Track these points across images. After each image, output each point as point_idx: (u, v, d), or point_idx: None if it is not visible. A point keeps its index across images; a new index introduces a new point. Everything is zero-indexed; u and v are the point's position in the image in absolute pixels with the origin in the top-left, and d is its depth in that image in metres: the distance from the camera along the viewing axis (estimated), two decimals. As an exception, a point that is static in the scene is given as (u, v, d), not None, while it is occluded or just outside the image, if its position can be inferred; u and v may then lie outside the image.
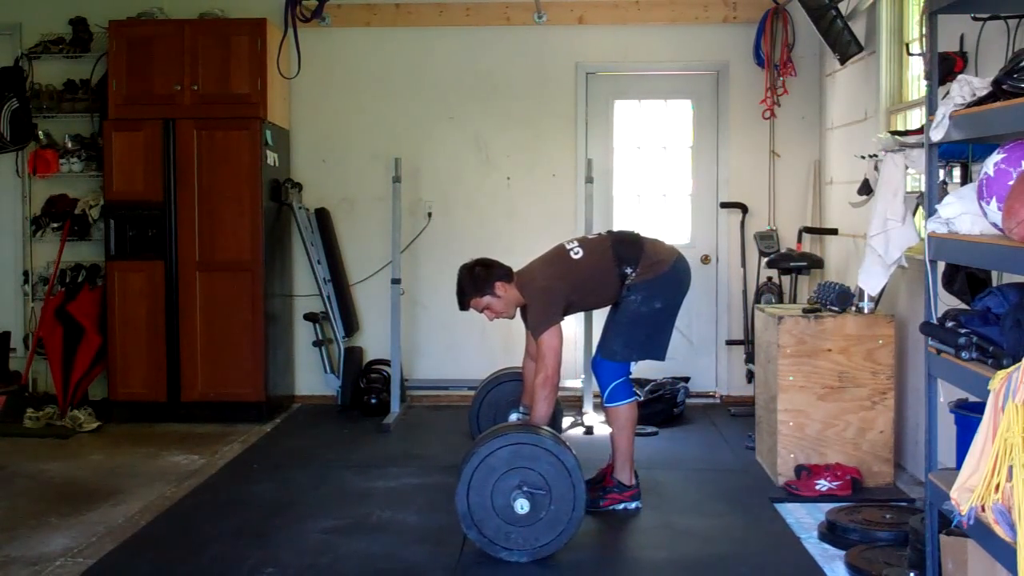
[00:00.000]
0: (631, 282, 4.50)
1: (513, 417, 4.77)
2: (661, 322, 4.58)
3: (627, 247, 4.56)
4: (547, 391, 4.31)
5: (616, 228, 4.66)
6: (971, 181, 3.50)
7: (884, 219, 4.44)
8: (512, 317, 4.64)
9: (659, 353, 4.63)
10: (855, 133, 5.89)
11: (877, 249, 4.51)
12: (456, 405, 6.75)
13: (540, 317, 4.38)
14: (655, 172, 7.06)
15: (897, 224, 4.41)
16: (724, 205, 6.82)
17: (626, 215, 7.07)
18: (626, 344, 4.54)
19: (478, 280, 4.48)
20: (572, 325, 6.81)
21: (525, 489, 3.91)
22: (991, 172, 2.69)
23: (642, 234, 4.71)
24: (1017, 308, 2.66)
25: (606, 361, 4.56)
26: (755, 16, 6.71)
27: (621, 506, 4.54)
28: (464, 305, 4.57)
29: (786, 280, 6.26)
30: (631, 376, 4.61)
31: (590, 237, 4.69)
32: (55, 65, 6.87)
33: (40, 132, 6.81)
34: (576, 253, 4.55)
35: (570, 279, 4.48)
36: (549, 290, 4.44)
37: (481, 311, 4.57)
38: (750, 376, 6.40)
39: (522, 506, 3.91)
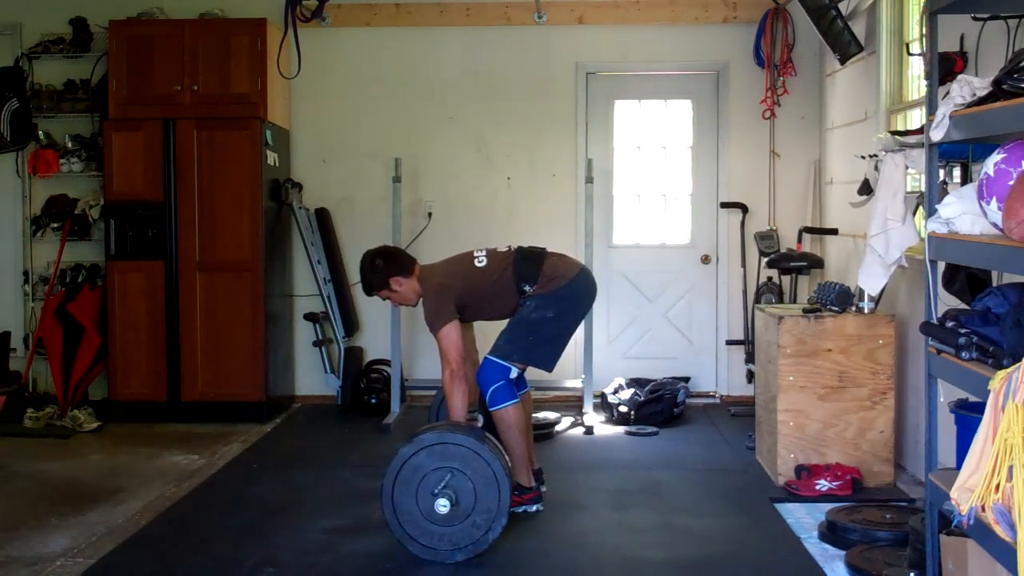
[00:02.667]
0: (529, 292, 4.51)
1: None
2: (550, 331, 4.52)
3: (528, 264, 4.55)
4: (456, 383, 4.33)
5: (526, 244, 4.68)
6: (971, 181, 3.50)
7: (884, 219, 4.44)
8: (415, 306, 4.69)
9: (545, 363, 4.58)
10: (855, 133, 5.90)
11: (877, 249, 4.51)
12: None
13: (433, 314, 4.44)
14: (655, 172, 7.06)
15: (897, 224, 4.41)
16: (724, 205, 6.83)
17: (626, 215, 7.07)
18: (508, 342, 4.50)
19: (376, 272, 4.58)
20: (572, 325, 6.82)
21: (444, 489, 3.93)
22: (991, 172, 2.69)
23: (548, 250, 4.68)
24: (1017, 308, 2.66)
25: (488, 358, 4.52)
26: (755, 16, 6.71)
27: (521, 509, 4.46)
28: (368, 293, 4.71)
29: (786, 280, 6.26)
30: (514, 378, 4.52)
31: (499, 250, 4.67)
32: (55, 65, 6.87)
33: (40, 132, 6.81)
34: (480, 262, 4.58)
35: (467, 284, 4.51)
36: (443, 287, 4.49)
37: (384, 299, 4.70)
38: (750, 376, 6.40)
39: (443, 505, 3.92)
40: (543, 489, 4.67)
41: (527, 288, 4.50)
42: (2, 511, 4.62)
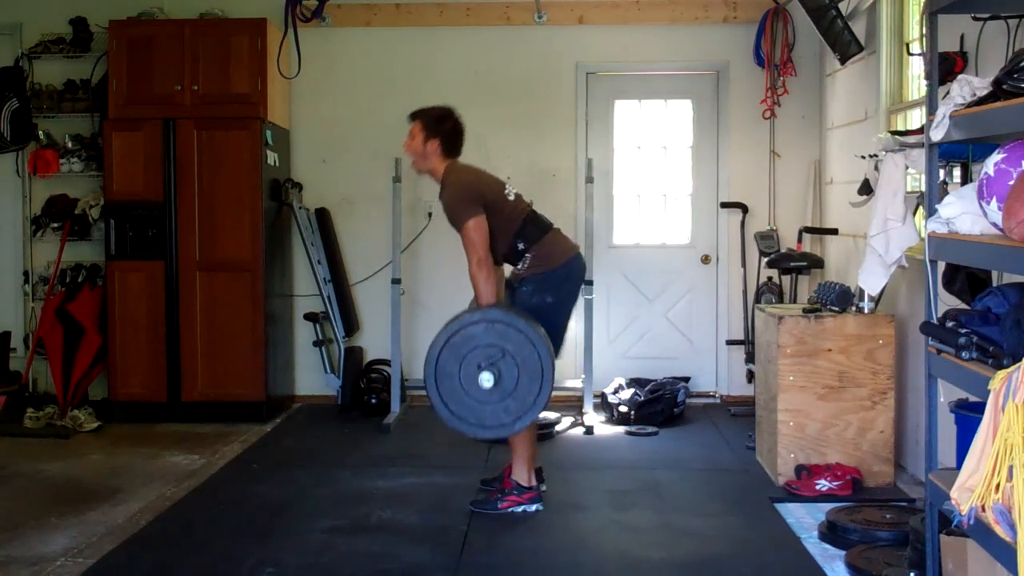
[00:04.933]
0: (522, 272, 4.51)
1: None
2: (552, 317, 4.53)
3: (533, 227, 4.56)
4: (484, 272, 4.33)
5: (542, 213, 4.69)
6: (971, 181, 3.49)
7: (884, 219, 4.44)
8: (418, 170, 4.71)
9: (556, 352, 4.57)
10: (855, 133, 5.90)
11: (877, 249, 4.51)
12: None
13: (459, 207, 4.41)
14: (655, 172, 7.06)
15: (897, 224, 4.41)
16: (724, 205, 6.83)
17: (626, 215, 7.07)
18: None
19: (437, 122, 4.55)
20: (572, 325, 6.80)
21: (491, 366, 3.99)
22: (991, 172, 2.69)
23: (554, 225, 4.69)
24: (1017, 308, 2.66)
25: None
26: (755, 16, 6.71)
27: (520, 508, 4.48)
28: (411, 118, 4.65)
29: (786, 280, 6.26)
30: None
31: (523, 198, 4.68)
32: (55, 65, 6.87)
33: (40, 132, 6.81)
34: (509, 195, 4.58)
35: (494, 202, 4.49)
36: (473, 187, 4.50)
37: (407, 138, 4.64)
38: (750, 376, 6.40)
39: (487, 379, 3.96)
40: (543, 488, 4.67)
41: (521, 246, 4.50)
42: (2, 511, 4.62)
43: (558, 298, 4.55)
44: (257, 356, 6.29)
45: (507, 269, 4.74)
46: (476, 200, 4.44)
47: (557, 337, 4.59)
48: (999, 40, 3.79)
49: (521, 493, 4.49)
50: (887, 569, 3.59)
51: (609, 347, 6.90)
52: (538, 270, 4.51)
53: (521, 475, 4.51)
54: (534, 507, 4.51)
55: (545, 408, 4.05)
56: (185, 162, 6.28)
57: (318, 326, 6.82)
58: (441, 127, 4.57)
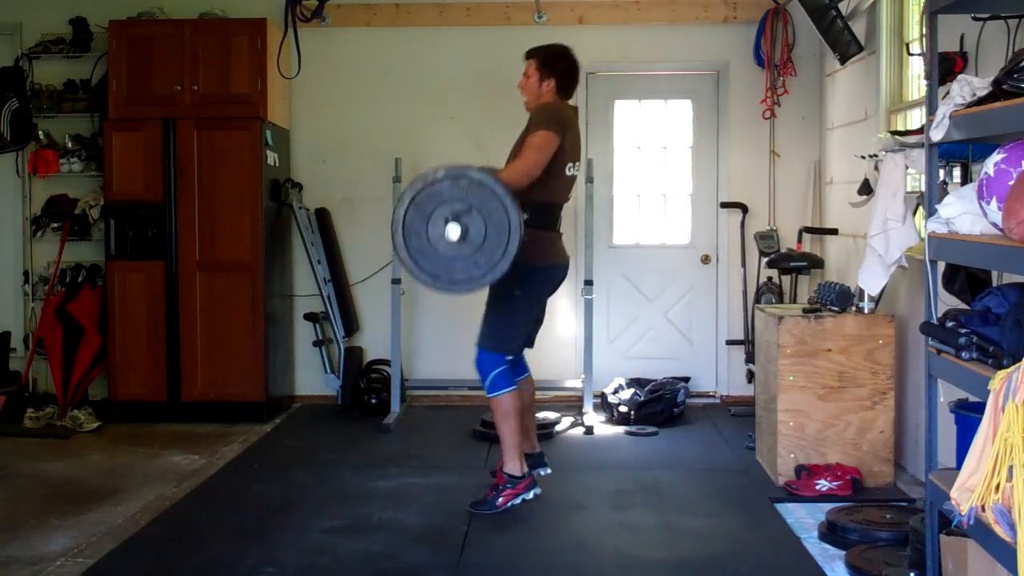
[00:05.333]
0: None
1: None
2: (512, 310, 4.53)
3: (548, 215, 4.55)
4: (524, 171, 4.29)
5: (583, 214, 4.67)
6: (971, 181, 3.50)
7: (884, 219, 4.44)
8: (528, 108, 4.64)
9: (525, 343, 4.64)
10: (855, 133, 5.90)
11: (877, 249, 4.51)
12: (456, 405, 6.76)
13: (545, 123, 4.37)
14: (655, 172, 7.06)
15: (897, 224, 4.41)
16: (724, 205, 6.83)
17: (626, 215, 7.07)
18: (489, 333, 4.52)
19: (553, 62, 4.53)
20: (572, 325, 6.83)
21: (458, 218, 4.00)
22: (991, 172, 2.69)
23: (560, 231, 4.70)
24: (1017, 308, 2.66)
25: (479, 349, 4.55)
26: (755, 16, 6.71)
27: (519, 499, 4.47)
28: (527, 56, 4.66)
29: (786, 280, 6.26)
30: (511, 362, 4.55)
31: (571, 190, 4.70)
32: (55, 65, 6.87)
33: (40, 132, 6.81)
34: (569, 171, 4.56)
35: (558, 156, 4.43)
36: (568, 120, 4.50)
37: (523, 73, 4.64)
38: (750, 376, 6.40)
39: (453, 231, 3.99)
40: (545, 472, 4.64)
41: (525, 216, 4.42)
42: (2, 511, 4.62)
43: (525, 295, 4.53)
44: (257, 356, 6.29)
45: None
46: (561, 130, 4.41)
47: (512, 334, 4.56)
48: (999, 40, 3.79)
49: (515, 485, 4.49)
50: (887, 569, 3.59)
51: (609, 347, 6.91)
52: (519, 257, 4.49)
53: (512, 466, 4.51)
54: (531, 494, 4.51)
55: (509, 265, 4.05)
56: (185, 162, 6.28)
57: (318, 326, 6.82)
58: (557, 66, 4.52)
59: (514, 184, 4.23)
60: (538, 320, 4.78)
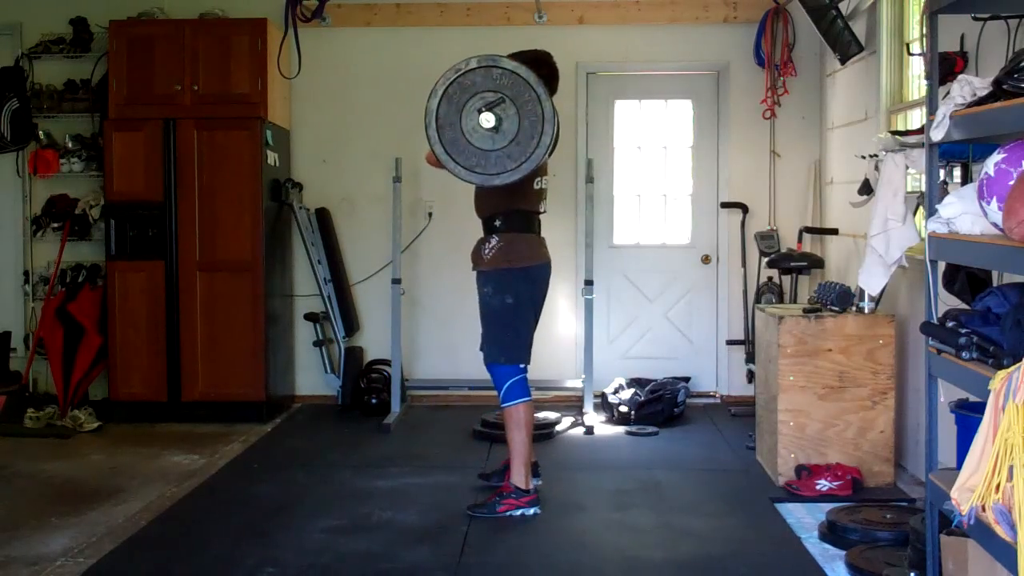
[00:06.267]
0: (484, 262, 4.50)
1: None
2: (512, 319, 4.52)
3: (521, 220, 4.53)
4: None
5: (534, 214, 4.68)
6: (971, 181, 3.49)
7: (885, 219, 4.44)
8: None
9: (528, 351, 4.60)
10: (855, 133, 5.89)
11: (878, 249, 4.51)
12: (456, 405, 6.76)
13: None
14: (655, 172, 7.06)
15: (897, 224, 4.41)
16: (724, 205, 6.82)
17: (626, 215, 7.07)
18: (494, 346, 4.52)
19: (534, 67, 4.41)
20: (572, 325, 6.83)
21: (492, 108, 4.00)
22: (991, 172, 2.68)
23: (540, 233, 4.68)
24: (1017, 308, 2.66)
25: (489, 366, 4.56)
26: (755, 16, 6.71)
27: (519, 512, 4.46)
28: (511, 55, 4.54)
29: (786, 280, 6.25)
30: (525, 372, 4.55)
31: (544, 200, 4.67)
32: (55, 65, 6.87)
33: (40, 132, 6.81)
34: (538, 184, 4.56)
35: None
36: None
37: None
38: (750, 376, 6.40)
39: (487, 120, 3.98)
40: (539, 483, 4.65)
41: (498, 223, 4.49)
42: (2, 511, 4.62)
43: (517, 299, 4.52)
44: (257, 356, 6.29)
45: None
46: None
47: (519, 341, 4.56)
48: (999, 40, 3.79)
49: (519, 497, 4.48)
50: (887, 569, 3.59)
51: (609, 347, 6.90)
52: (499, 264, 4.48)
53: (519, 479, 4.50)
54: (532, 511, 4.49)
55: (545, 153, 4.04)
56: (185, 162, 6.28)
57: (318, 326, 6.82)
58: (539, 73, 4.45)
59: None
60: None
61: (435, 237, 6.89)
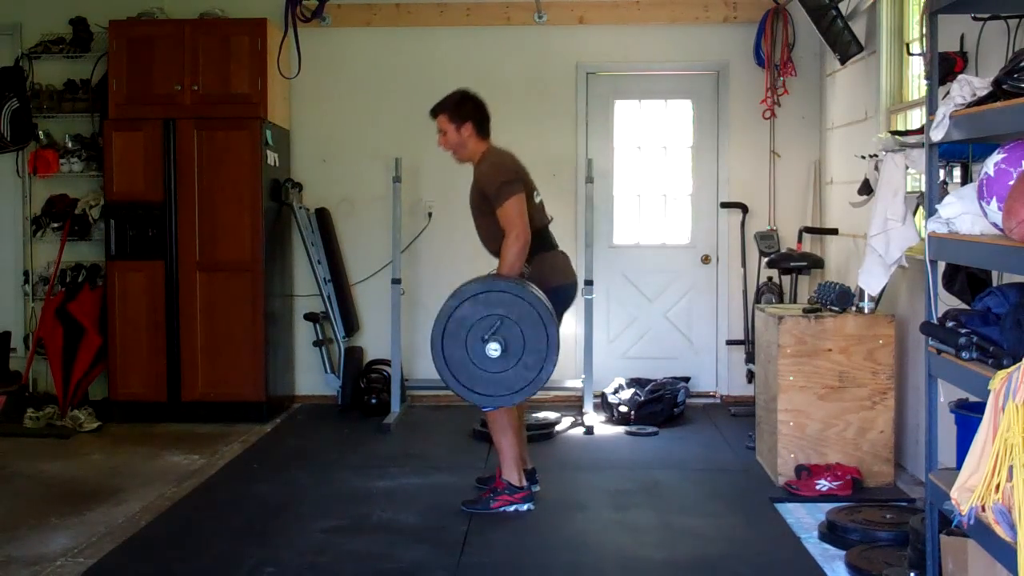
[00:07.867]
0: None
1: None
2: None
3: (541, 240, 4.58)
4: (519, 245, 4.35)
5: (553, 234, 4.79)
6: (971, 181, 3.50)
7: (884, 219, 4.44)
8: (458, 159, 4.71)
9: None
10: (855, 133, 5.89)
11: (877, 249, 4.51)
12: (456, 405, 6.75)
13: (501, 184, 4.41)
14: (655, 172, 7.06)
15: (897, 224, 4.41)
16: (724, 205, 6.83)
17: (626, 215, 7.07)
18: None
19: (460, 107, 4.58)
20: (572, 325, 6.82)
21: (493, 335, 4.08)
22: (991, 172, 2.69)
23: (559, 248, 4.74)
24: (1017, 308, 2.66)
25: None
26: (755, 16, 6.71)
27: (512, 508, 4.50)
28: (433, 115, 4.66)
29: (786, 280, 6.26)
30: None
31: (546, 210, 4.76)
32: (55, 65, 6.87)
33: (40, 132, 6.81)
34: (537, 198, 4.65)
35: (527, 195, 4.53)
36: (515, 166, 4.57)
37: (438, 131, 4.66)
38: (750, 376, 6.40)
39: (494, 349, 4.05)
40: (535, 489, 4.67)
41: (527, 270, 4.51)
42: (2, 511, 4.62)
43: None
44: (257, 356, 6.29)
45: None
46: (518, 180, 4.49)
47: None
48: (999, 40, 3.79)
49: (513, 493, 4.51)
50: (887, 569, 3.59)
51: (609, 347, 6.90)
52: (551, 281, 4.55)
53: (511, 475, 4.54)
54: (526, 506, 4.53)
55: (557, 354, 4.16)
56: (185, 162, 6.28)
57: (318, 326, 6.82)
58: (464, 109, 4.59)
59: (519, 262, 4.36)
60: None
61: (435, 237, 6.89)
